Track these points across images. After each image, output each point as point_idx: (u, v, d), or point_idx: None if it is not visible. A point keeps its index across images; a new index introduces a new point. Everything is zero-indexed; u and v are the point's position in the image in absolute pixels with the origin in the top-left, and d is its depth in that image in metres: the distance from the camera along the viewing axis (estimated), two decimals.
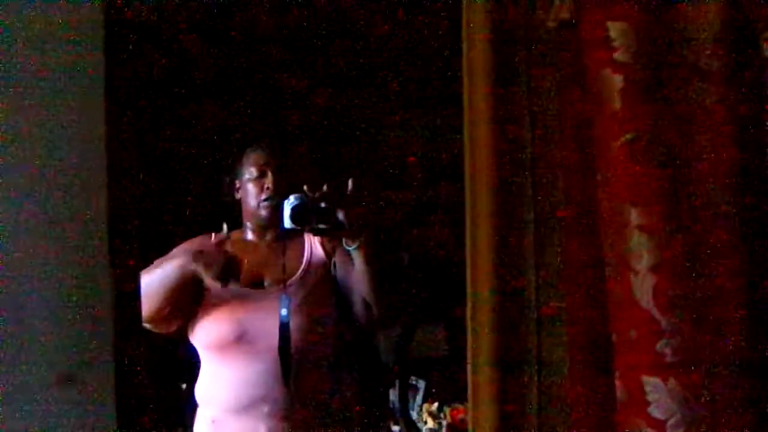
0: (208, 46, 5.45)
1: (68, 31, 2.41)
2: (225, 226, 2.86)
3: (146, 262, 2.96)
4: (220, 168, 3.16)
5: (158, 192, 4.88)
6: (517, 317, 2.03)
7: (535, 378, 2.02)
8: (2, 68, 2.36)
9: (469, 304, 2.08)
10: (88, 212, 2.22)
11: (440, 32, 5.73)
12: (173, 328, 2.92)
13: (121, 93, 3.39)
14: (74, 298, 2.20)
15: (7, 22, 2.40)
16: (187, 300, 2.88)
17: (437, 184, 5.49)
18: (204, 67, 5.49)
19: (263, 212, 2.95)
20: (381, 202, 5.08)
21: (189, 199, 4.93)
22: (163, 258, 2.93)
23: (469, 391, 2.09)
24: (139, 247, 3.58)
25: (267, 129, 5.37)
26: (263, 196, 2.93)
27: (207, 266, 2.74)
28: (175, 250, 2.99)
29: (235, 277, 2.78)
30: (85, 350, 2.30)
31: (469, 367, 2.06)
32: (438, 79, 5.76)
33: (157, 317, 2.84)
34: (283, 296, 2.82)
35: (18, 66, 2.31)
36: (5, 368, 2.20)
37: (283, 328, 2.78)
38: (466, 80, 1.95)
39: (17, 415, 2.15)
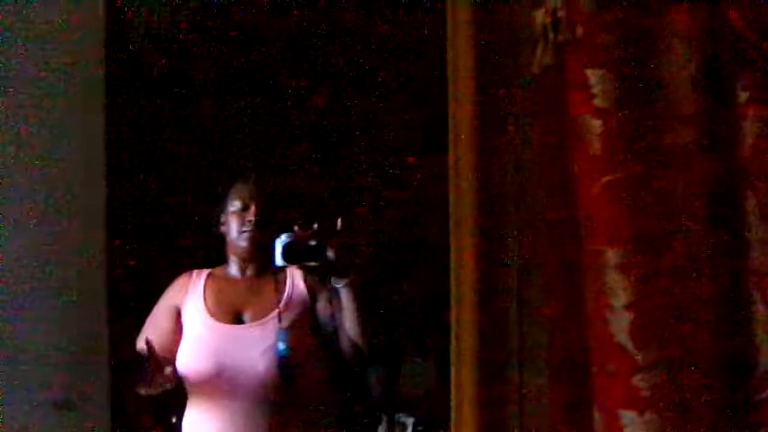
0: (208, 46, 5.48)
1: (68, 30, 2.45)
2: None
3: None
4: (210, 197, 3.20)
5: (158, 193, 4.92)
6: (501, 320, 2.09)
7: (517, 382, 2.07)
8: (1, 68, 2.40)
9: (452, 308, 2.13)
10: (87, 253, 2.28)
11: (440, 32, 5.77)
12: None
13: (120, 92, 3.43)
14: (71, 325, 2.26)
15: (6, 22, 2.44)
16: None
17: (437, 183, 5.51)
18: (204, 67, 5.52)
19: (243, 243, 2.98)
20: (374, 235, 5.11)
21: (188, 200, 4.97)
22: (154, 310, 3.04)
23: (452, 395, 2.13)
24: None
25: (267, 130, 5.42)
26: (244, 229, 2.98)
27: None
28: (162, 298, 3.08)
29: None
30: (82, 377, 2.35)
31: (452, 371, 2.11)
32: (438, 78, 5.80)
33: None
34: (280, 330, 2.88)
35: (18, 65, 2.35)
36: (3, 393, 2.26)
37: (282, 360, 2.84)
38: (451, 128, 2.01)
39: None
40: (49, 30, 2.56)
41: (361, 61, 5.62)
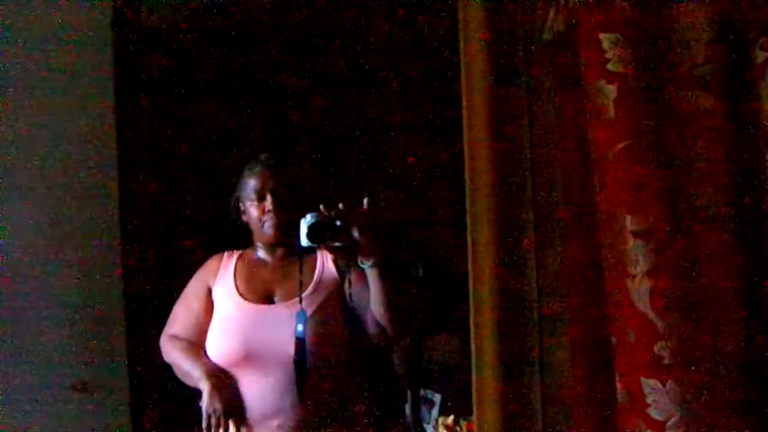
0: (208, 46, 5.46)
1: (77, 32, 2.42)
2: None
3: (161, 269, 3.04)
4: (225, 187, 3.18)
5: (168, 195, 4.89)
6: (519, 318, 2.08)
7: (538, 378, 2.06)
8: (14, 71, 2.37)
9: (471, 306, 2.12)
10: (101, 224, 2.26)
11: (440, 32, 5.75)
12: None
13: (130, 93, 3.41)
14: (87, 309, 2.23)
15: (17, 25, 2.42)
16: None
17: (437, 184, 5.50)
18: (204, 67, 5.50)
19: (268, 232, 3.00)
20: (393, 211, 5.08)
21: (191, 200, 4.93)
22: (186, 291, 3.04)
23: (474, 393, 2.12)
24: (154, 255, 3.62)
25: (268, 131, 5.39)
26: (265, 219, 2.99)
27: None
28: (192, 279, 3.07)
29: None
30: (99, 358, 2.32)
31: (473, 369, 2.10)
32: (438, 79, 5.78)
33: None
34: (300, 312, 2.85)
35: (28, 69, 2.32)
36: (23, 375, 2.26)
37: (299, 343, 2.81)
38: (464, 83, 1.98)
39: (35, 419, 2.19)
40: (58, 32, 2.54)
41: (361, 60, 5.61)
